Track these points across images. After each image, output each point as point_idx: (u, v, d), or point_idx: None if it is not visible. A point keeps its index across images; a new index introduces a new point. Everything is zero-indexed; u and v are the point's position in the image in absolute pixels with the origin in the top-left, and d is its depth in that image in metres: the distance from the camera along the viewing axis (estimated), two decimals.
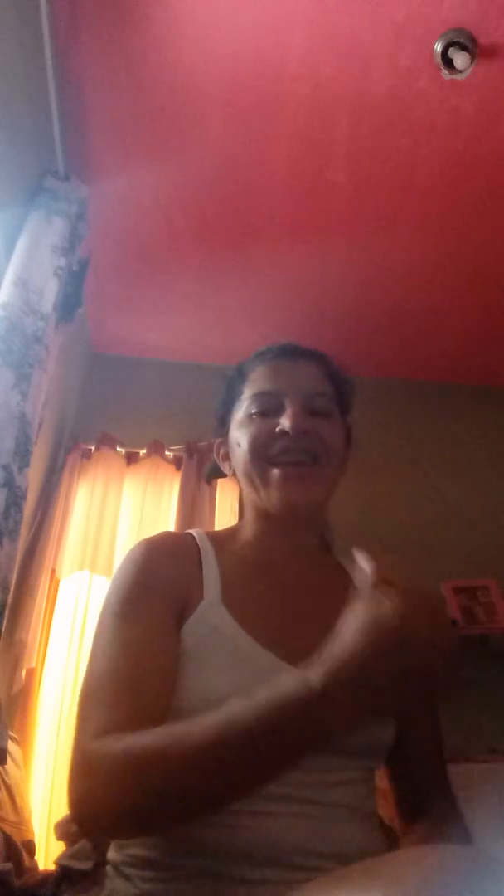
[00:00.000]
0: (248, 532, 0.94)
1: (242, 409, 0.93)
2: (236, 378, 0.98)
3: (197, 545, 0.90)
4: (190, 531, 0.95)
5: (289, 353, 0.96)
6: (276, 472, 0.86)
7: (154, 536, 0.93)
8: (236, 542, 0.94)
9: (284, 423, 0.86)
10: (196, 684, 0.75)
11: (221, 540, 0.93)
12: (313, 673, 0.57)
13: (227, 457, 0.98)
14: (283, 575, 0.90)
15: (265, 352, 0.98)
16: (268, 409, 0.90)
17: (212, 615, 0.81)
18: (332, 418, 0.92)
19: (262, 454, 0.88)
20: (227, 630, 0.79)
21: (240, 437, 0.91)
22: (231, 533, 0.97)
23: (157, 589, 0.81)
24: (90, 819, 0.64)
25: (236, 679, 0.75)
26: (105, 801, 0.61)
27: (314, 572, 0.93)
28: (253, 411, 0.91)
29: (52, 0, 1.67)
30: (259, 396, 0.91)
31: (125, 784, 0.60)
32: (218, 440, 1.01)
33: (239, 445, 0.91)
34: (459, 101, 1.93)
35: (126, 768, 0.60)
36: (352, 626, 0.58)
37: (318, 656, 0.59)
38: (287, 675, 0.59)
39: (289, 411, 0.87)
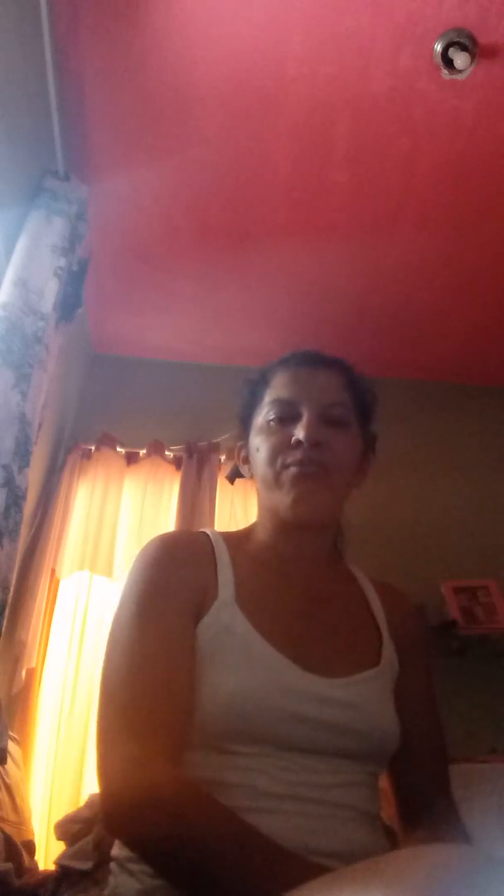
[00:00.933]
0: (262, 534, 0.96)
1: (262, 414, 0.95)
2: (259, 383, 1.00)
3: (211, 544, 0.91)
4: (203, 530, 0.96)
5: (309, 362, 0.98)
6: (287, 479, 0.88)
7: (168, 533, 0.94)
8: (250, 543, 0.95)
9: (299, 433, 0.88)
10: (207, 683, 0.76)
11: (235, 540, 0.94)
12: None
13: (246, 460, 0.99)
14: (295, 579, 0.91)
15: (288, 358, 1.00)
16: (285, 416, 0.92)
17: (225, 615, 0.81)
18: (349, 428, 0.93)
19: (276, 461, 0.90)
20: (240, 630, 0.80)
21: (259, 443, 0.94)
22: (245, 534, 0.98)
23: (176, 587, 0.82)
24: (125, 830, 0.66)
25: (247, 678, 0.76)
26: (153, 831, 0.63)
27: (325, 579, 0.94)
28: (271, 418, 0.93)
29: (52, 0, 1.67)
30: (278, 403, 0.93)
31: (184, 837, 0.62)
32: (239, 443, 1.02)
33: (258, 451, 0.93)
34: (459, 101, 1.93)
35: (199, 831, 0.62)
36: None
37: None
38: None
39: (304, 421, 0.89)
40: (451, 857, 0.44)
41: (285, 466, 0.89)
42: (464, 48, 1.75)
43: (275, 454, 0.90)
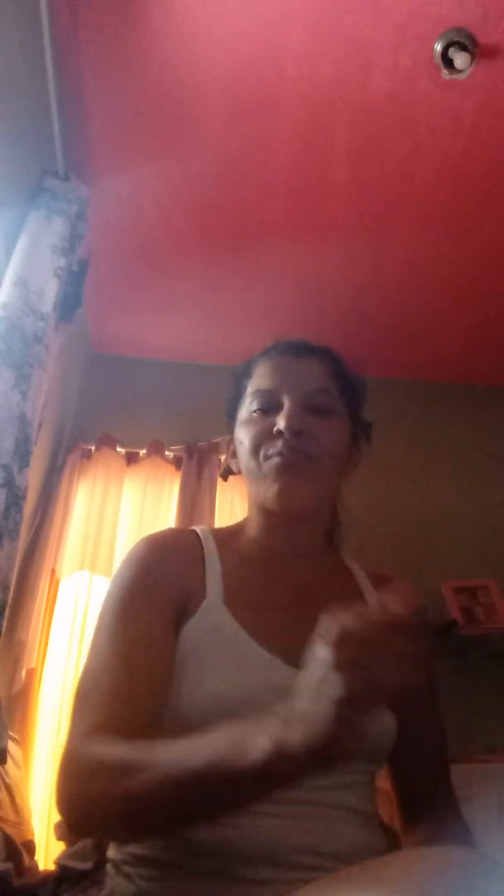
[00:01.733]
0: (252, 529, 0.94)
1: (245, 406, 0.94)
2: (243, 375, 0.98)
3: (200, 542, 0.90)
4: (194, 528, 0.95)
5: (293, 350, 0.95)
6: (270, 470, 0.86)
7: (157, 533, 0.92)
8: (240, 540, 0.94)
9: (280, 422, 0.86)
10: (196, 684, 0.75)
11: (225, 537, 0.93)
12: (263, 740, 0.52)
13: (234, 454, 0.97)
14: (285, 575, 0.90)
15: (271, 348, 0.98)
16: (268, 406, 0.90)
17: (213, 615, 0.80)
18: (334, 416, 0.91)
19: (258, 452, 0.88)
20: (229, 631, 0.79)
21: (242, 436, 0.92)
22: (235, 530, 0.97)
23: (158, 587, 0.81)
24: (67, 817, 0.65)
25: (236, 680, 0.75)
26: (80, 802, 0.63)
27: (317, 573, 0.93)
28: (254, 409, 0.91)
29: (52, 0, 1.67)
30: (259, 394, 0.91)
31: (95, 791, 0.61)
32: (227, 437, 1.01)
33: (241, 443, 0.92)
34: (459, 101, 1.93)
35: (97, 776, 0.62)
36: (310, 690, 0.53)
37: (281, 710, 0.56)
38: (239, 731, 0.57)
39: (285, 410, 0.87)
40: (451, 858, 0.44)
41: (267, 457, 0.87)
42: (464, 48, 1.75)
43: (257, 445, 0.88)
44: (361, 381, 0.99)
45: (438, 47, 1.78)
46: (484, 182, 2.18)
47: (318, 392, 0.90)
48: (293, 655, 0.77)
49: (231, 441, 0.99)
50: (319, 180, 2.19)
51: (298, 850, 0.67)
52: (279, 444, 0.86)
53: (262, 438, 0.88)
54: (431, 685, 0.93)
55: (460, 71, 1.80)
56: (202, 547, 0.89)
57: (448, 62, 1.79)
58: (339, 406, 0.92)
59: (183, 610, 0.81)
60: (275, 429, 0.86)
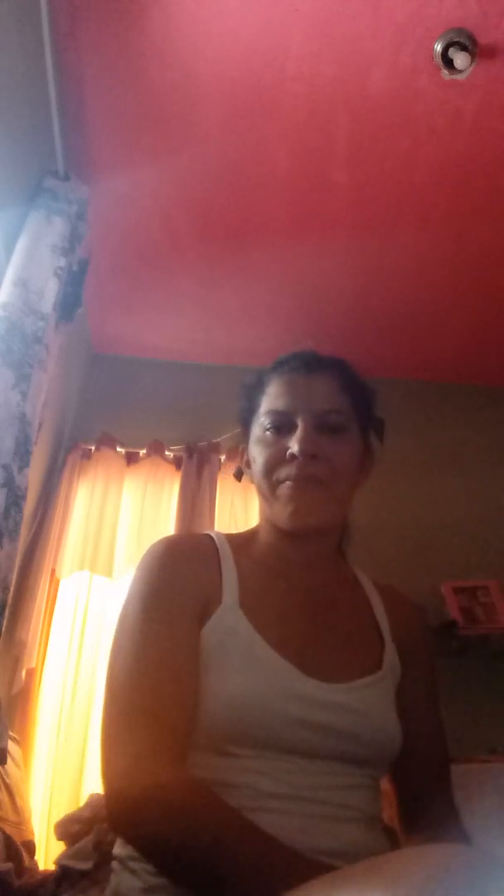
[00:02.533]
0: (266, 537, 0.95)
1: (259, 424, 0.95)
2: (255, 388, 0.99)
3: (216, 547, 0.91)
4: (208, 532, 0.96)
5: (304, 366, 0.96)
6: (284, 493, 0.88)
7: (173, 536, 0.94)
8: (254, 546, 0.95)
9: (293, 446, 0.87)
10: (211, 685, 0.76)
11: (239, 543, 0.94)
12: None
13: (249, 464, 0.98)
14: (298, 583, 0.91)
15: (283, 363, 0.99)
16: (281, 426, 0.91)
17: (230, 618, 0.81)
18: (346, 434, 0.92)
19: (271, 475, 0.89)
20: (244, 634, 0.80)
21: (256, 454, 0.93)
22: (249, 536, 0.98)
23: (181, 588, 0.82)
24: (130, 828, 0.66)
25: (251, 683, 0.76)
26: (156, 827, 0.63)
27: (328, 583, 0.94)
28: (267, 428, 0.92)
29: (53, 0, 1.67)
30: (272, 414, 0.92)
31: (188, 835, 0.62)
32: (242, 446, 1.02)
33: (255, 461, 0.93)
34: (459, 101, 1.93)
35: (203, 828, 0.62)
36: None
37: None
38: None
39: (298, 433, 0.88)
40: (452, 857, 0.44)
41: (280, 480, 0.88)
42: (464, 48, 1.75)
43: (271, 468, 0.89)
44: (371, 390, 1.01)
45: (438, 47, 1.78)
46: (484, 182, 2.18)
47: (330, 412, 0.91)
48: (306, 662, 0.80)
49: (245, 451, 1.00)
50: (319, 180, 2.19)
51: (305, 850, 0.68)
52: (293, 468, 0.87)
53: (276, 461, 0.89)
54: (433, 687, 0.94)
55: (460, 71, 1.80)
56: (218, 551, 0.90)
57: (448, 62, 1.79)
58: (350, 422, 0.93)
59: (203, 612, 0.82)
60: (288, 452, 0.88)
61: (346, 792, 0.76)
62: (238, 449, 1.03)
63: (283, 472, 0.88)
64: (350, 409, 0.93)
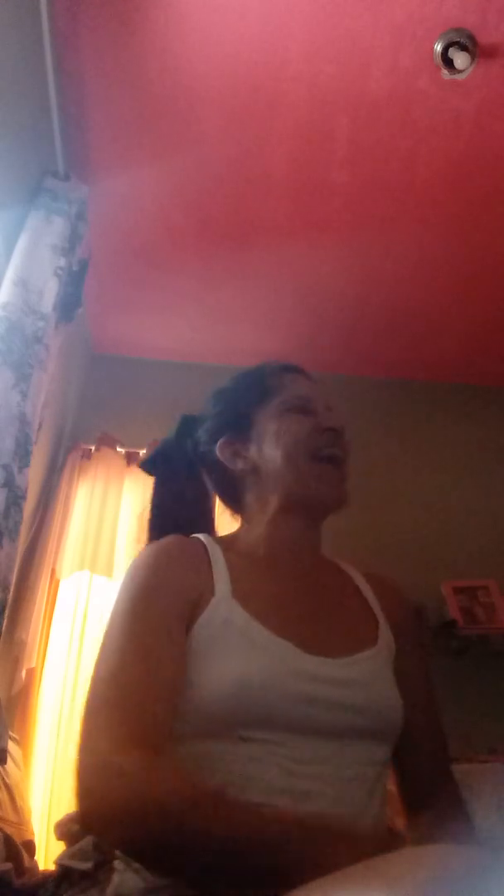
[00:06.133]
0: (257, 531, 0.97)
1: (274, 405, 0.98)
2: (258, 383, 1.03)
3: (205, 547, 0.92)
4: (197, 535, 0.97)
5: (305, 373, 1.05)
6: (322, 468, 0.93)
7: (162, 540, 0.94)
8: (242, 543, 0.96)
9: (331, 421, 0.95)
10: (211, 675, 0.77)
11: (227, 542, 0.96)
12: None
13: (238, 453, 0.99)
14: (288, 569, 0.93)
15: (287, 366, 1.05)
16: (304, 409, 0.97)
17: (223, 609, 0.83)
18: None
19: (308, 446, 0.93)
20: (239, 621, 0.81)
21: (278, 428, 0.96)
22: (235, 535, 1.00)
23: (167, 587, 0.83)
24: (99, 822, 0.67)
25: (254, 665, 0.77)
26: (121, 816, 0.64)
27: (317, 569, 0.97)
28: (292, 406, 0.97)
29: (53, 0, 1.67)
30: (296, 398, 0.98)
31: (147, 814, 0.62)
32: (224, 439, 1.01)
33: (277, 436, 0.95)
34: (459, 101, 1.93)
35: (157, 804, 0.63)
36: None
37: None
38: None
39: (330, 412, 0.97)
40: (451, 856, 0.44)
41: (317, 452, 0.93)
42: (464, 48, 1.75)
43: (305, 439, 0.94)
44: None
45: (438, 47, 1.78)
46: (484, 182, 2.18)
47: (332, 408, 1.00)
48: (305, 641, 0.82)
49: (232, 442, 1.00)
50: (319, 180, 2.19)
51: None
52: (328, 438, 0.94)
53: (309, 434, 0.94)
54: (425, 664, 0.97)
55: (460, 71, 1.80)
56: (206, 550, 0.91)
57: (448, 62, 1.79)
58: None
59: (192, 612, 0.82)
60: (327, 426, 0.94)
61: (358, 786, 0.77)
62: (219, 444, 1.01)
63: (321, 442, 0.93)
64: None
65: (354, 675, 0.82)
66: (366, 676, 0.83)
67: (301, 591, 0.90)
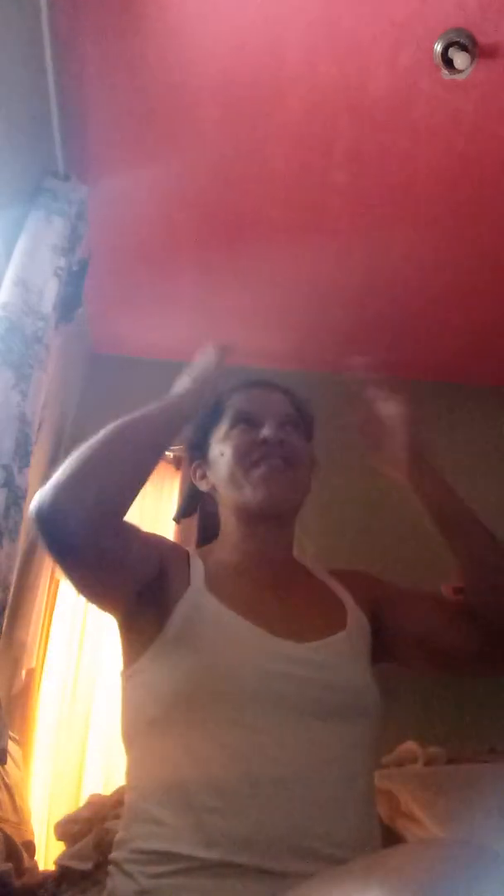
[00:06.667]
0: (228, 542, 1.05)
1: (224, 426, 1.07)
2: (214, 405, 1.12)
3: (188, 553, 1.01)
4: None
5: (262, 384, 1.14)
6: (257, 472, 1.00)
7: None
8: (216, 553, 1.05)
9: (265, 432, 1.02)
10: (188, 662, 0.82)
11: (204, 553, 1.05)
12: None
13: (203, 475, 1.10)
14: (260, 566, 1.01)
15: (241, 384, 1.15)
16: (248, 424, 1.05)
17: (197, 598, 0.90)
18: (299, 434, 1.09)
19: (245, 459, 1.01)
20: (213, 610, 0.88)
21: (223, 448, 1.05)
22: (211, 548, 1.09)
23: (154, 539, 0.97)
24: (64, 506, 0.78)
25: (228, 651, 0.83)
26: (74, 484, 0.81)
27: (287, 567, 1.05)
28: (236, 424, 1.05)
29: (52, 0, 1.67)
30: (240, 414, 1.07)
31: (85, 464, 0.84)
32: (195, 463, 1.13)
33: (222, 455, 1.04)
34: (459, 101, 1.93)
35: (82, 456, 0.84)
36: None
37: None
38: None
39: (267, 424, 1.03)
40: (450, 852, 0.44)
41: (254, 463, 1.00)
42: (464, 48, 1.75)
43: (244, 453, 1.01)
44: (312, 416, 1.18)
45: (438, 47, 1.78)
46: (484, 182, 2.18)
47: (288, 416, 1.08)
48: (276, 627, 0.88)
49: (199, 466, 1.12)
50: (319, 180, 2.19)
51: (298, 833, 0.70)
52: (264, 450, 1.01)
53: (248, 447, 1.02)
54: (428, 592, 1.19)
55: (460, 71, 1.80)
56: (189, 555, 1.00)
57: (448, 62, 1.79)
58: (301, 431, 1.11)
59: (166, 569, 0.92)
60: (260, 437, 1.01)
61: (344, 781, 0.78)
62: (190, 468, 1.14)
63: (256, 454, 1.00)
64: (299, 421, 1.11)
65: (323, 658, 0.87)
66: (335, 658, 0.89)
67: (271, 587, 0.97)
